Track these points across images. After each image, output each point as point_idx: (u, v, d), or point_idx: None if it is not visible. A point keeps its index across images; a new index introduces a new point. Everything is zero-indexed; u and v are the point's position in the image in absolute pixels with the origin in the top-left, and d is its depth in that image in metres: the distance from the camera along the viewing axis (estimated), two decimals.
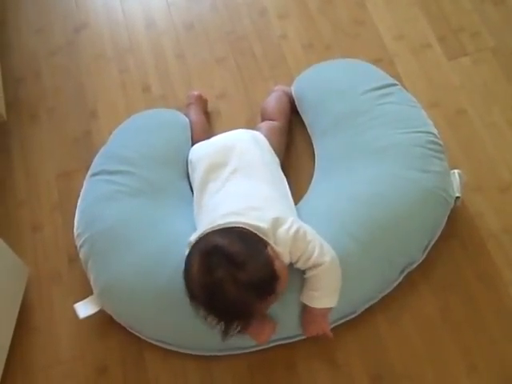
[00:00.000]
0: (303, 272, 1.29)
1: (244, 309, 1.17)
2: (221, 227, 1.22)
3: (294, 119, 1.65)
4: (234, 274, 1.14)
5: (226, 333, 1.20)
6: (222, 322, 1.18)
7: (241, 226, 1.22)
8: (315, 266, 1.25)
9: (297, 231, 1.24)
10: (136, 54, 1.85)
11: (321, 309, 1.29)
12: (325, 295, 1.28)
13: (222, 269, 1.15)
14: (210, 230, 1.22)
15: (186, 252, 1.24)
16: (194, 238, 1.25)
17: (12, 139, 1.74)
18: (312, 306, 1.28)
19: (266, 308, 1.23)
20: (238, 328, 1.19)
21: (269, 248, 1.20)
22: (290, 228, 1.25)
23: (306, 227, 1.28)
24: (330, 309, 1.30)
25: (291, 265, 1.28)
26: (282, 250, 1.23)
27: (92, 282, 1.41)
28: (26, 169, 1.69)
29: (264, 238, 1.21)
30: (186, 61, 1.82)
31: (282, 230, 1.24)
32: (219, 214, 1.27)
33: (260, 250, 1.19)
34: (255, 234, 1.21)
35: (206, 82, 1.78)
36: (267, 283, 1.17)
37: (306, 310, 1.31)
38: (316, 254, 1.25)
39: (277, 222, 1.25)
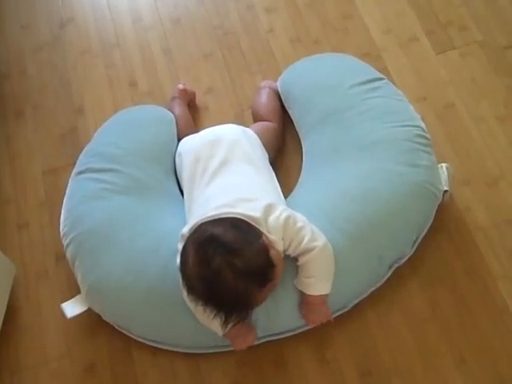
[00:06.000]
0: (296, 259, 1.29)
1: (242, 297, 1.16)
2: (213, 218, 1.22)
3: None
4: (230, 261, 1.14)
5: (225, 324, 1.19)
6: (222, 313, 1.17)
7: (235, 216, 1.21)
8: (307, 252, 1.25)
9: (287, 217, 1.25)
10: (122, 50, 1.84)
11: (319, 296, 1.28)
12: (320, 281, 1.28)
13: (219, 257, 1.14)
14: (203, 221, 1.22)
15: (180, 245, 1.23)
16: (186, 230, 1.25)
17: None
18: (309, 294, 1.28)
19: (263, 297, 1.22)
20: (237, 319, 1.19)
21: (263, 237, 1.20)
22: (280, 215, 1.25)
23: (297, 214, 1.28)
24: (327, 295, 1.29)
25: (285, 257, 1.27)
26: (276, 237, 1.22)
27: (79, 282, 1.40)
28: (11, 165, 1.67)
29: (258, 227, 1.21)
30: (173, 56, 1.81)
31: (272, 218, 1.24)
32: (211, 206, 1.26)
33: (254, 237, 1.18)
34: (248, 223, 1.21)
35: (193, 76, 1.77)
36: (264, 270, 1.17)
37: (304, 301, 1.30)
38: (306, 239, 1.25)
39: (268, 210, 1.25)
